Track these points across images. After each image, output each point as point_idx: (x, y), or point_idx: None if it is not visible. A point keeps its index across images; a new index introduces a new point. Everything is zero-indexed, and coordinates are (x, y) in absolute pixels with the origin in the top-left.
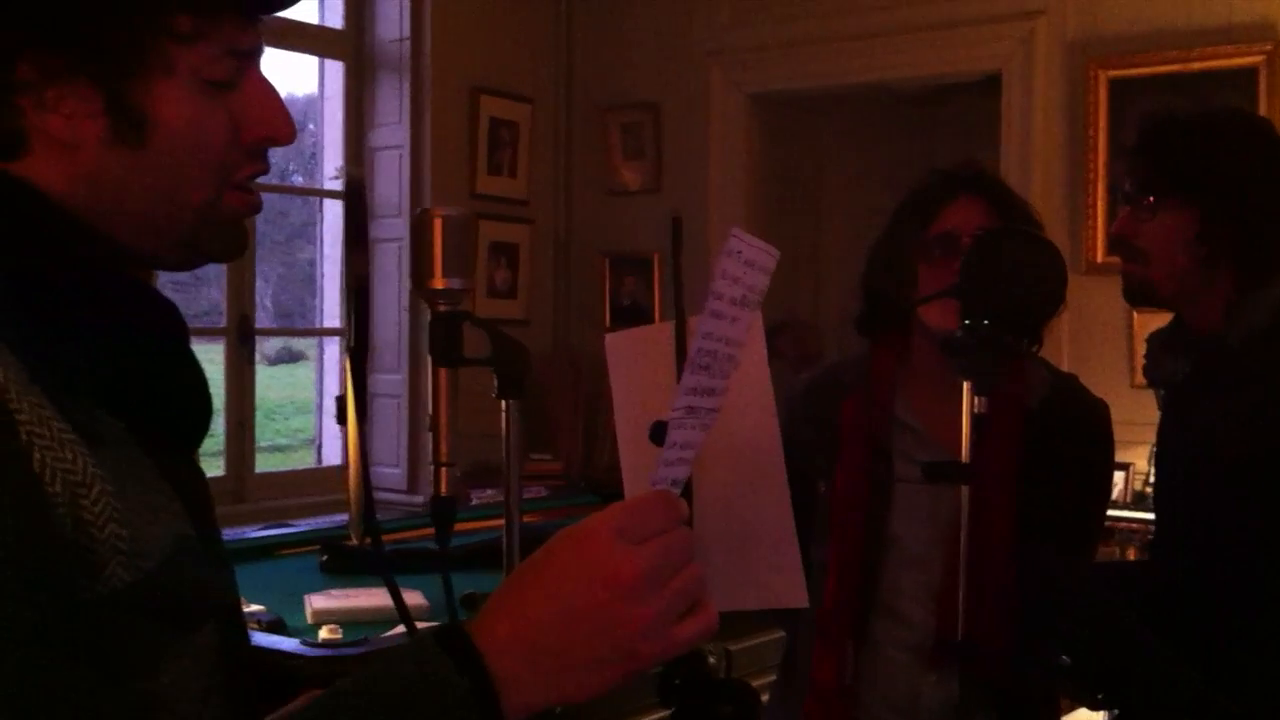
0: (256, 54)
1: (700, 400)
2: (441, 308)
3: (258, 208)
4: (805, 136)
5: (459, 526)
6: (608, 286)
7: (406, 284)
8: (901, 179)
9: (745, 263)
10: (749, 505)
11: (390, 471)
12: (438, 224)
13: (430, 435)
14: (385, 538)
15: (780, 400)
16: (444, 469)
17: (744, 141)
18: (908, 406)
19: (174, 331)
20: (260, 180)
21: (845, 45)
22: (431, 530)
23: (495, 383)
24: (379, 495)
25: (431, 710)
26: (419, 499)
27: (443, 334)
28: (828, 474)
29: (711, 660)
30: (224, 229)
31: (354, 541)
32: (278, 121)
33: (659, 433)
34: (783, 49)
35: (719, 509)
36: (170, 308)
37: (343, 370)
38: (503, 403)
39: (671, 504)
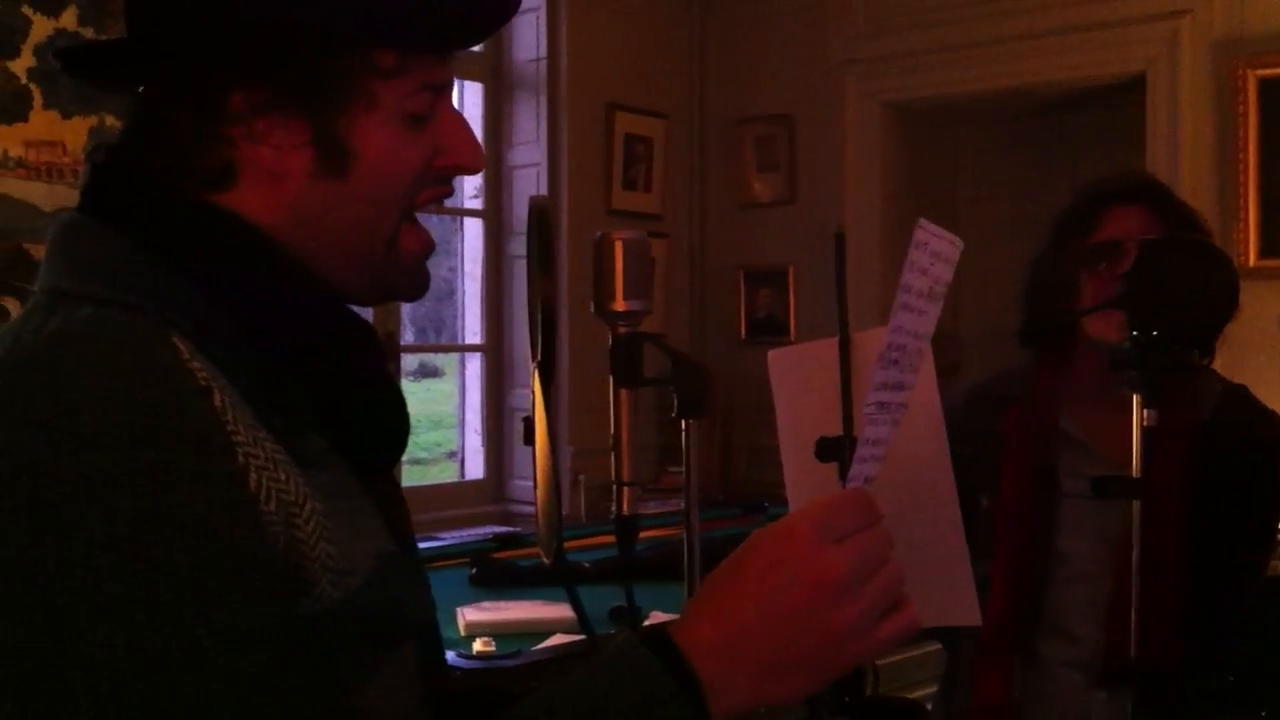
0: (448, 87)
1: (891, 395)
2: (622, 330)
3: (432, 246)
4: (941, 145)
5: (600, 540)
6: (743, 300)
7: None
8: (1040, 188)
9: (932, 254)
10: (919, 519)
11: (527, 484)
12: (619, 247)
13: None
14: (530, 552)
15: None
16: (626, 488)
17: (878, 151)
18: (1073, 419)
19: (373, 352)
20: None
21: (983, 51)
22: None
23: (675, 403)
24: (518, 509)
25: (640, 714)
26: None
27: (624, 355)
28: (989, 488)
29: None
30: (410, 268)
31: (544, 560)
32: (469, 151)
33: (824, 448)
34: (919, 56)
35: (888, 523)
36: (369, 329)
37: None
38: (683, 422)
39: (868, 501)
